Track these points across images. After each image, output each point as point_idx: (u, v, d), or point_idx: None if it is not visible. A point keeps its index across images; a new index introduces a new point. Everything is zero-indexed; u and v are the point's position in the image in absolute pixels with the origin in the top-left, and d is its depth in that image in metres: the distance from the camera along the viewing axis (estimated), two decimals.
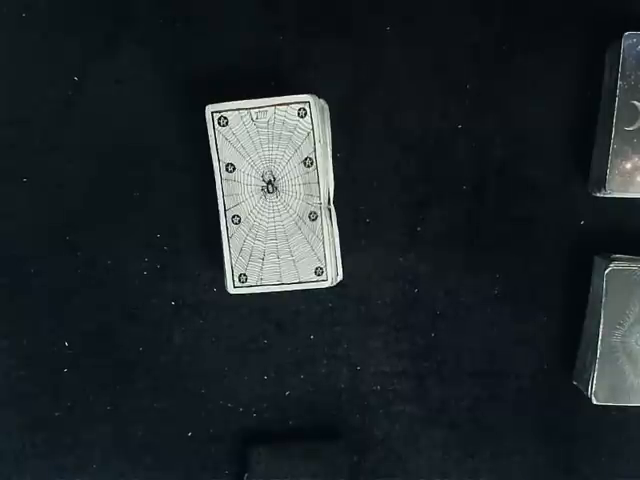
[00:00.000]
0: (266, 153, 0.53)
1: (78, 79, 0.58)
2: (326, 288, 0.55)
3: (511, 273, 0.58)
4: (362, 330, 0.59)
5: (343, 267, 0.57)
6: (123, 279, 0.60)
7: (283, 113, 0.52)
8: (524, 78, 0.57)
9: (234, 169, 0.54)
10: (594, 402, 0.55)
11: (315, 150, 0.53)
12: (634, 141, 0.53)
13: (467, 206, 0.58)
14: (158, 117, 0.58)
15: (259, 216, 0.54)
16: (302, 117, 0.52)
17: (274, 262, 0.54)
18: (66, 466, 0.61)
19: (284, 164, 0.53)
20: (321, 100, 0.54)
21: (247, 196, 0.54)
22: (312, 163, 0.53)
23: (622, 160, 0.53)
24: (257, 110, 0.52)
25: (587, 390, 0.55)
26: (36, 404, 0.61)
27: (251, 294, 0.55)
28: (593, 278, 0.57)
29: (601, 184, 0.54)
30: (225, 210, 0.54)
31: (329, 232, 0.54)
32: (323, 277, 0.54)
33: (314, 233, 0.54)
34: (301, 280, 0.54)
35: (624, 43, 0.52)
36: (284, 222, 0.54)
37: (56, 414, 0.61)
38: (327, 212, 0.54)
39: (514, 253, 0.58)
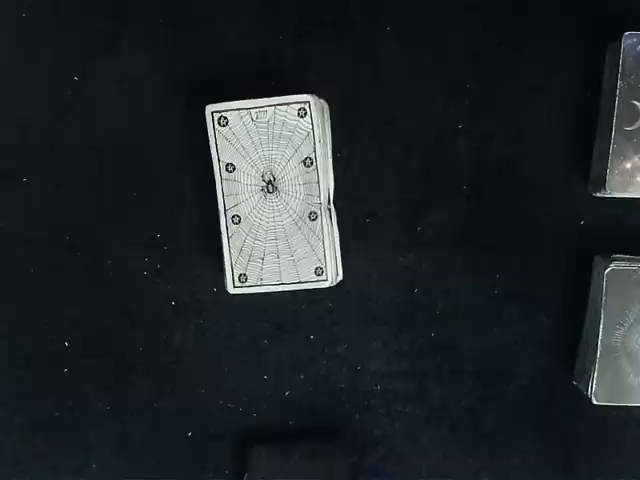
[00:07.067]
0: (266, 153, 0.53)
1: (78, 79, 0.58)
2: (326, 288, 0.55)
3: (511, 273, 0.58)
4: (362, 330, 0.59)
5: (343, 267, 0.57)
6: (123, 279, 0.60)
7: (283, 113, 0.52)
8: (524, 78, 0.57)
9: (234, 169, 0.54)
10: (594, 402, 0.55)
11: (315, 150, 0.53)
12: (634, 141, 0.53)
13: (467, 206, 0.58)
14: (158, 117, 0.58)
15: (259, 216, 0.54)
16: (302, 117, 0.52)
17: (274, 262, 0.54)
18: (66, 466, 0.61)
19: (284, 164, 0.53)
20: (321, 100, 0.54)
21: (247, 196, 0.54)
22: (312, 163, 0.53)
23: (622, 160, 0.53)
24: (257, 110, 0.52)
25: (587, 390, 0.55)
26: (36, 404, 0.61)
27: (251, 294, 0.55)
28: (593, 278, 0.57)
29: (601, 184, 0.54)
30: (225, 210, 0.54)
31: (329, 232, 0.54)
32: (323, 277, 0.54)
33: (314, 233, 0.54)
34: (301, 280, 0.54)
35: (624, 43, 0.52)
36: (284, 222, 0.54)
37: (56, 414, 0.61)
38: (327, 212, 0.54)
39: (514, 253, 0.58)
